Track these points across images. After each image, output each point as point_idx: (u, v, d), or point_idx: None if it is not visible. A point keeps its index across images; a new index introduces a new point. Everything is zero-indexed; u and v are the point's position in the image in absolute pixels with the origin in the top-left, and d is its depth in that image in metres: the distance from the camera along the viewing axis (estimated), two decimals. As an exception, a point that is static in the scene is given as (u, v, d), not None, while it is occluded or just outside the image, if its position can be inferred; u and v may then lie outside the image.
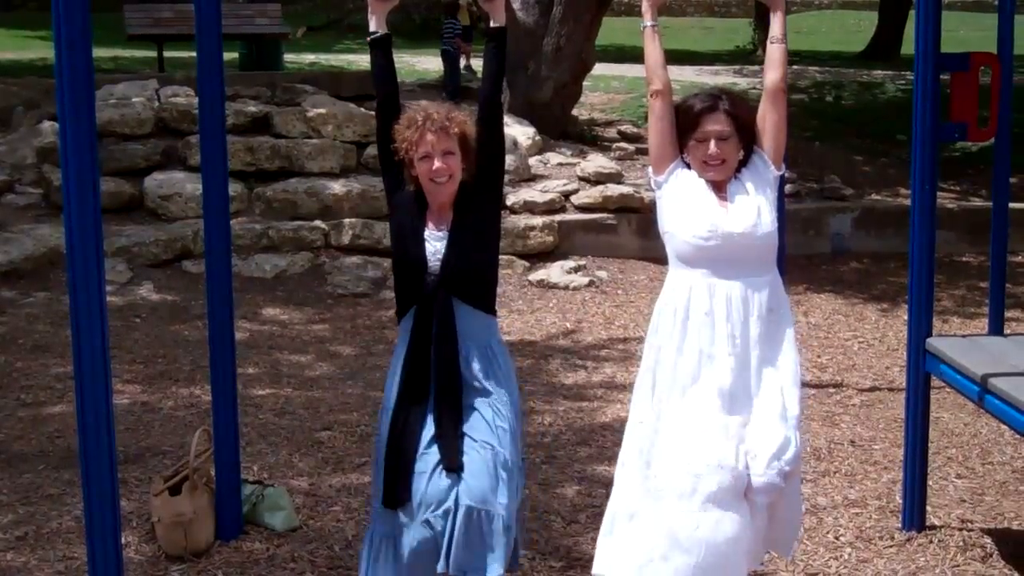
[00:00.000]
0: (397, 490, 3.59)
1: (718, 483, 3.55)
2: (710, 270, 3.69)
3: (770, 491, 3.60)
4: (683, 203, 3.73)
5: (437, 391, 3.65)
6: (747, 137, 3.75)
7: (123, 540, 4.02)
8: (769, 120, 3.79)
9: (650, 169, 3.87)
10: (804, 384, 6.82)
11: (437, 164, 3.64)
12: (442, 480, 3.54)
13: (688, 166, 3.79)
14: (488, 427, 3.63)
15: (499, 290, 3.95)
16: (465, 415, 3.65)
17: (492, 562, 3.51)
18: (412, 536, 3.55)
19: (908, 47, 18.20)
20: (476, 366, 3.69)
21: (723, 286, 3.68)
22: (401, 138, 3.68)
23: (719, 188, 3.74)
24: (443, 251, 3.69)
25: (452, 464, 3.56)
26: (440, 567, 3.52)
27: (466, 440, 3.60)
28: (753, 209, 3.69)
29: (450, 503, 3.51)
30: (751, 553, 3.70)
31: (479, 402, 3.67)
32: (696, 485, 3.56)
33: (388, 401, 3.75)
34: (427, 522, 3.52)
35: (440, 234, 3.71)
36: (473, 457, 3.57)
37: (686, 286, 3.72)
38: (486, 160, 3.76)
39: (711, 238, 3.66)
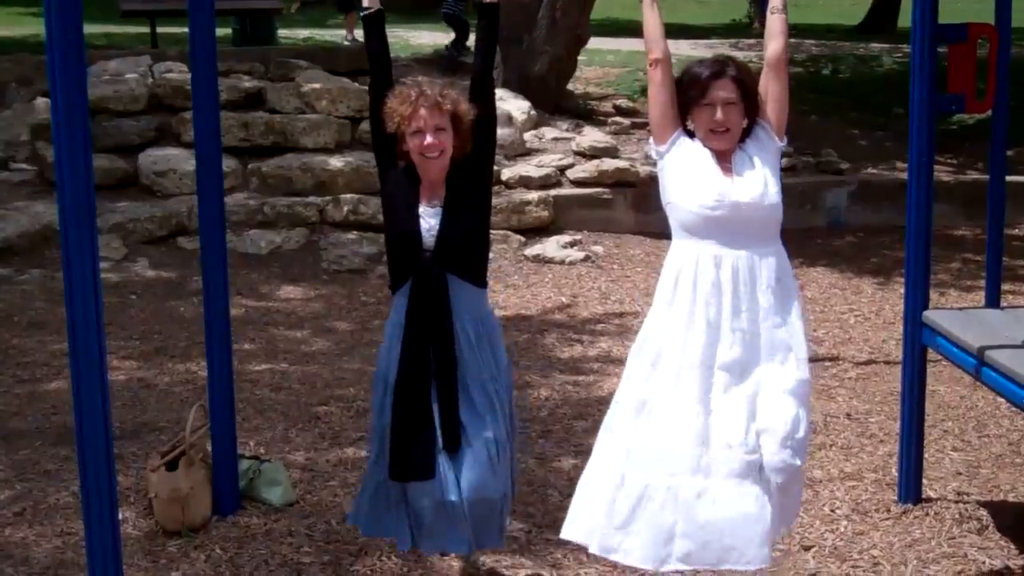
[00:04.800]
0: (408, 465, 3.71)
1: (729, 462, 3.52)
2: (716, 240, 3.62)
3: (785, 470, 3.54)
4: (687, 173, 3.66)
5: (436, 367, 3.73)
6: (751, 106, 3.70)
7: (120, 516, 4.02)
8: (771, 91, 3.74)
9: (651, 139, 3.82)
10: (800, 357, 6.88)
11: (428, 139, 3.67)
12: (445, 468, 3.71)
13: (690, 135, 3.73)
14: (480, 415, 3.75)
15: (494, 265, 4.02)
16: (460, 396, 3.74)
17: (491, 540, 3.84)
18: (419, 504, 3.73)
19: (905, 20, 18.15)
20: (471, 339, 3.77)
21: (730, 256, 3.61)
22: (394, 113, 3.70)
23: (723, 158, 3.67)
24: (438, 227, 3.72)
25: (450, 445, 3.70)
26: (462, 549, 3.83)
27: (462, 429, 3.74)
28: (760, 179, 3.63)
29: (453, 495, 3.68)
30: (770, 532, 3.57)
31: (472, 380, 3.76)
32: (709, 465, 3.54)
33: (386, 374, 3.82)
34: (437, 504, 3.70)
35: (434, 210, 3.75)
36: (466, 451, 3.71)
37: (692, 258, 3.64)
38: (478, 135, 3.78)
39: (718, 207, 3.59)
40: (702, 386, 3.59)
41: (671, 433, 3.58)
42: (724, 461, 3.52)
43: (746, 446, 3.52)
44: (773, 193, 3.65)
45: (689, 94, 3.67)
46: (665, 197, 3.74)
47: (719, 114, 3.61)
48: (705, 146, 3.67)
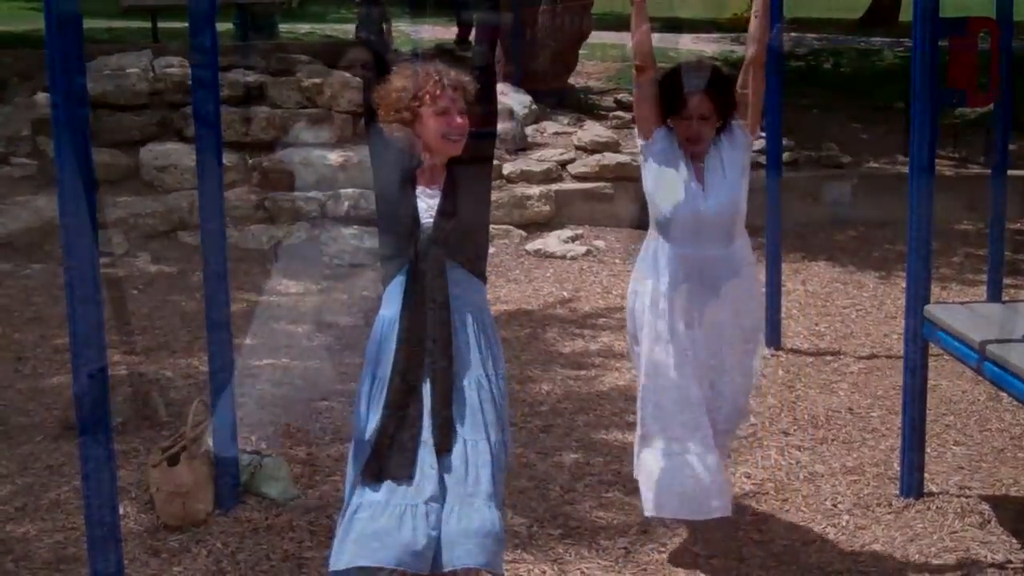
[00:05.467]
0: (386, 465, 3.44)
1: (696, 426, 4.12)
2: (684, 241, 4.10)
3: (730, 435, 4.45)
4: (663, 175, 4.11)
5: (431, 360, 3.49)
6: (727, 109, 4.10)
7: (121, 511, 4.03)
8: (748, 91, 4.10)
9: (636, 133, 4.22)
10: (802, 352, 6.89)
11: (459, 120, 3.50)
12: (430, 467, 3.41)
13: (671, 129, 4.14)
14: (475, 413, 3.49)
15: (496, 260, 3.99)
16: (455, 392, 3.50)
17: (486, 555, 3.36)
18: (397, 515, 3.38)
19: (906, 13, 18.13)
20: (469, 332, 3.54)
21: (696, 258, 4.10)
22: (416, 88, 3.48)
23: (697, 158, 4.12)
24: (436, 208, 3.53)
25: (442, 445, 3.43)
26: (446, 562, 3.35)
27: (454, 426, 3.46)
28: (726, 185, 4.07)
29: (436, 494, 3.37)
30: (725, 483, 4.23)
31: (468, 377, 3.52)
32: (678, 430, 4.13)
33: (377, 369, 3.58)
34: (414, 507, 3.37)
35: (432, 191, 3.56)
36: (456, 451, 3.43)
37: (664, 253, 4.15)
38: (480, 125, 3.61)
39: (685, 213, 4.05)
40: (680, 359, 4.13)
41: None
42: (691, 427, 4.12)
43: (704, 420, 4.12)
44: (738, 198, 4.10)
45: (671, 101, 4.07)
46: (644, 188, 4.23)
47: (694, 127, 4.05)
48: (681, 147, 4.10)
